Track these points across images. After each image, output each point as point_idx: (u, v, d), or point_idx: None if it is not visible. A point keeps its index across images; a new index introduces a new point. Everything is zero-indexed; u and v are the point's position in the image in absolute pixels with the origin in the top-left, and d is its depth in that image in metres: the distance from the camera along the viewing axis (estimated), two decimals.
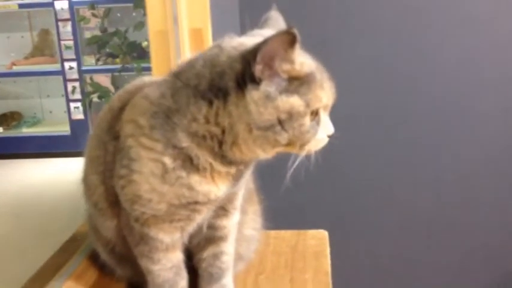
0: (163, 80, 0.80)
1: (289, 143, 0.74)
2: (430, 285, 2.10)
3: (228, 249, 0.89)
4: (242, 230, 0.96)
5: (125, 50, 3.60)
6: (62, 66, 4.16)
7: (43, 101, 4.65)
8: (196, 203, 0.78)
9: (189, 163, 0.75)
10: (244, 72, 0.71)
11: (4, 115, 4.51)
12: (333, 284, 1.03)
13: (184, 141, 0.74)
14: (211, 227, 0.87)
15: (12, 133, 4.38)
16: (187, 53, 1.37)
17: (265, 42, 0.69)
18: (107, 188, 0.82)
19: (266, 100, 0.71)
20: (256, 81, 0.71)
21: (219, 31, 1.41)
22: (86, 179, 0.88)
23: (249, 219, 0.99)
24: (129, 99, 0.82)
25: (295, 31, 0.68)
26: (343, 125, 0.80)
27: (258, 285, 0.99)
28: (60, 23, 4.09)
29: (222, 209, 0.86)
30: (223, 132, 0.73)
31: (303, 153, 0.75)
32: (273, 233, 1.18)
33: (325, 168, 0.91)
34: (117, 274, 0.93)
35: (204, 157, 0.75)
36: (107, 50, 3.88)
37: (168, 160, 0.74)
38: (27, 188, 3.58)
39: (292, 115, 0.72)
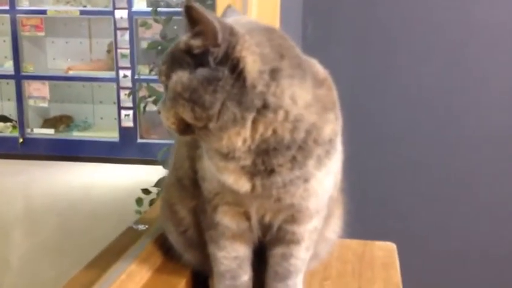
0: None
1: None
2: None
3: (300, 253, 0.83)
4: (324, 232, 0.90)
5: None
6: (117, 73, 4.22)
7: (95, 106, 4.72)
8: (233, 191, 0.74)
9: None
10: None
11: (54, 118, 4.61)
12: None
13: None
14: (281, 228, 0.81)
15: (63, 136, 4.45)
16: None
17: None
18: (191, 164, 0.81)
19: None
20: None
21: None
22: (176, 150, 0.88)
23: (332, 222, 0.93)
24: None
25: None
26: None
27: None
28: (118, 32, 4.18)
29: (290, 215, 0.80)
30: None
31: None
32: (336, 240, 1.12)
33: None
34: (183, 259, 0.91)
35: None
36: None
37: None
38: (75, 190, 3.60)
39: None
